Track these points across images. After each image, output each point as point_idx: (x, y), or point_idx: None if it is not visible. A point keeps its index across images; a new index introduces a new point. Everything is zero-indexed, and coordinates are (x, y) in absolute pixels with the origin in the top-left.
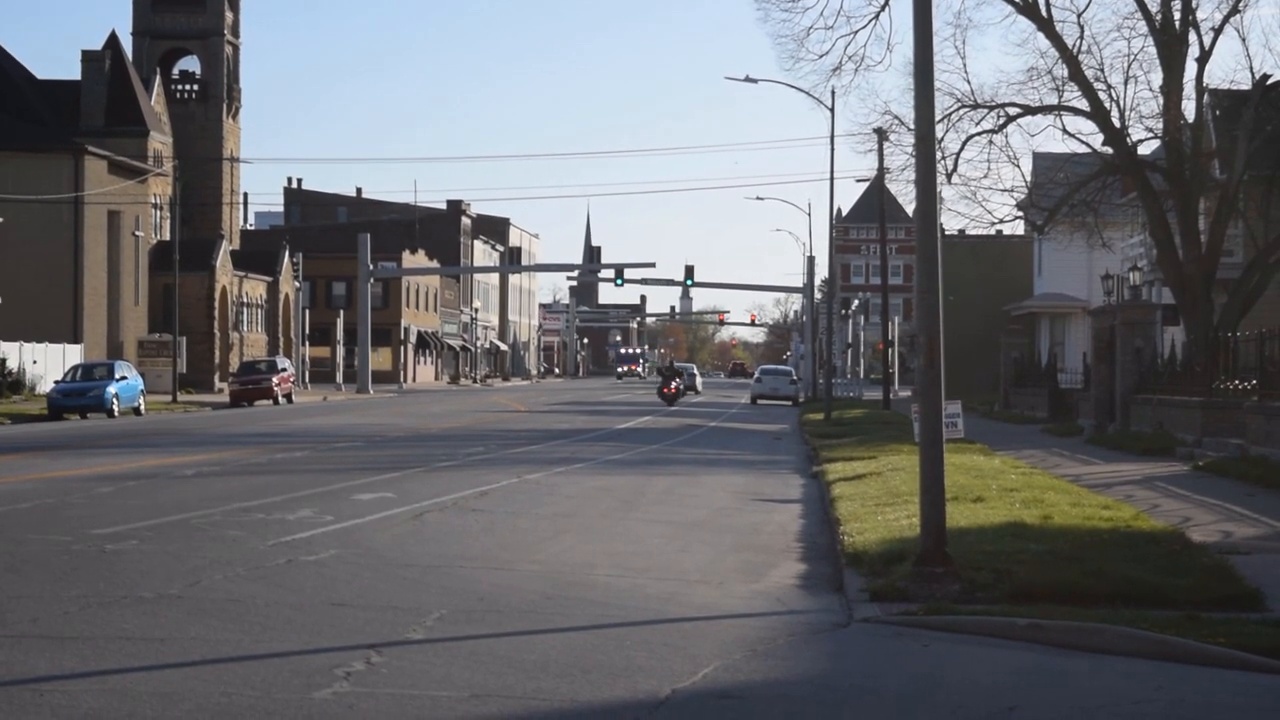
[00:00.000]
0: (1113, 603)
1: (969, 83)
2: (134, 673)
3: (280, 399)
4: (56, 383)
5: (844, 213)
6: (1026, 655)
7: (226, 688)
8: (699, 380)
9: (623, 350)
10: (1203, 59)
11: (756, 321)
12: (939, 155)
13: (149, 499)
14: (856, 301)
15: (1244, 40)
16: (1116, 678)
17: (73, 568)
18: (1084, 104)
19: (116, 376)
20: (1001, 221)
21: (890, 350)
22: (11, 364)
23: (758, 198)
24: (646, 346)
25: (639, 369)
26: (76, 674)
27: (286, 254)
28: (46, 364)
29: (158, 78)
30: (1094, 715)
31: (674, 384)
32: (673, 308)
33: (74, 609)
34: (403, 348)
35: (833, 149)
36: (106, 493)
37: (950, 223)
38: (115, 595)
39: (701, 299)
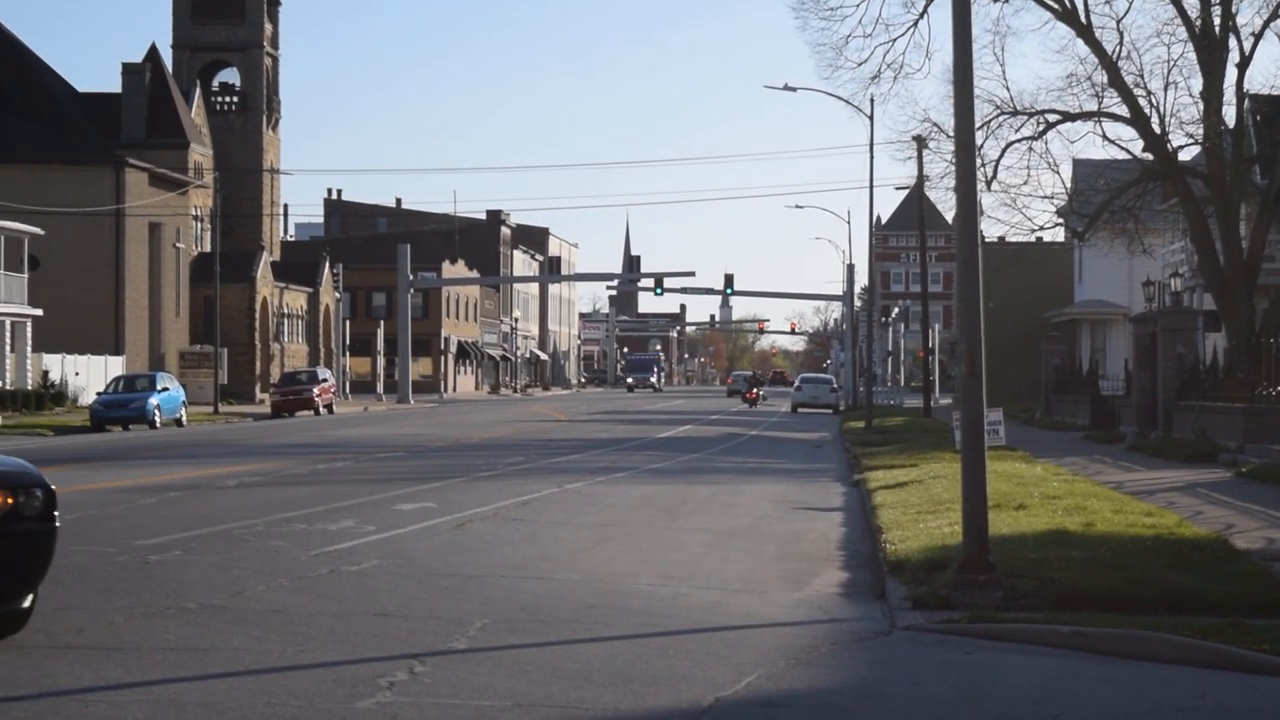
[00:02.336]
0: (1156, 610)
1: (1008, 89)
2: (178, 683)
3: (321, 409)
4: (98, 394)
5: (883, 220)
6: (1070, 662)
7: (270, 698)
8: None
9: (631, 357)
10: (1243, 64)
11: (796, 330)
12: (979, 162)
13: (191, 510)
14: (896, 309)
15: None
16: (1160, 685)
17: (117, 579)
18: (1124, 110)
19: (158, 388)
20: (1042, 228)
21: (930, 358)
22: (54, 376)
23: (797, 206)
24: (660, 352)
25: (653, 379)
26: (122, 684)
27: (327, 265)
28: (88, 376)
29: (198, 90)
30: None
31: (755, 390)
32: (712, 316)
33: (118, 620)
34: (443, 358)
35: (872, 157)
36: (149, 504)
37: (990, 230)
38: (159, 606)
39: (741, 307)
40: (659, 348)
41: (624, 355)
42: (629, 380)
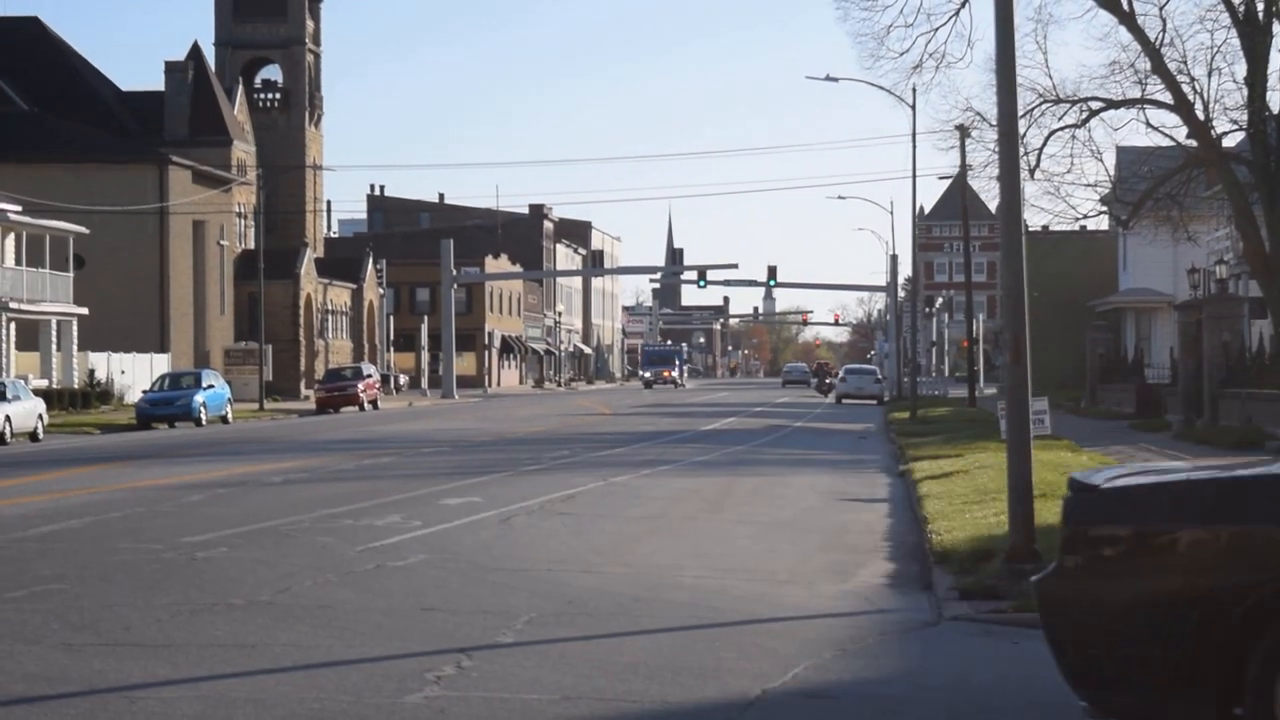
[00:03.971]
0: None
1: (1050, 78)
2: (227, 679)
3: (366, 405)
4: (144, 392)
5: (926, 210)
6: None
7: (319, 693)
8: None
9: (649, 348)
10: None
11: (840, 321)
12: (1022, 151)
13: (238, 506)
14: (940, 299)
15: None
16: None
17: (164, 575)
18: (1167, 97)
19: (204, 385)
20: (1085, 217)
21: (975, 348)
22: (100, 374)
23: (840, 197)
24: (684, 345)
25: (675, 374)
26: (170, 681)
27: (370, 261)
28: (134, 374)
29: (240, 87)
30: None
31: (828, 380)
32: (756, 308)
33: (166, 616)
34: (487, 352)
35: (914, 147)
36: (196, 501)
37: (1033, 219)
38: (206, 602)
39: (784, 299)
40: (702, 339)
41: (641, 348)
42: (645, 375)
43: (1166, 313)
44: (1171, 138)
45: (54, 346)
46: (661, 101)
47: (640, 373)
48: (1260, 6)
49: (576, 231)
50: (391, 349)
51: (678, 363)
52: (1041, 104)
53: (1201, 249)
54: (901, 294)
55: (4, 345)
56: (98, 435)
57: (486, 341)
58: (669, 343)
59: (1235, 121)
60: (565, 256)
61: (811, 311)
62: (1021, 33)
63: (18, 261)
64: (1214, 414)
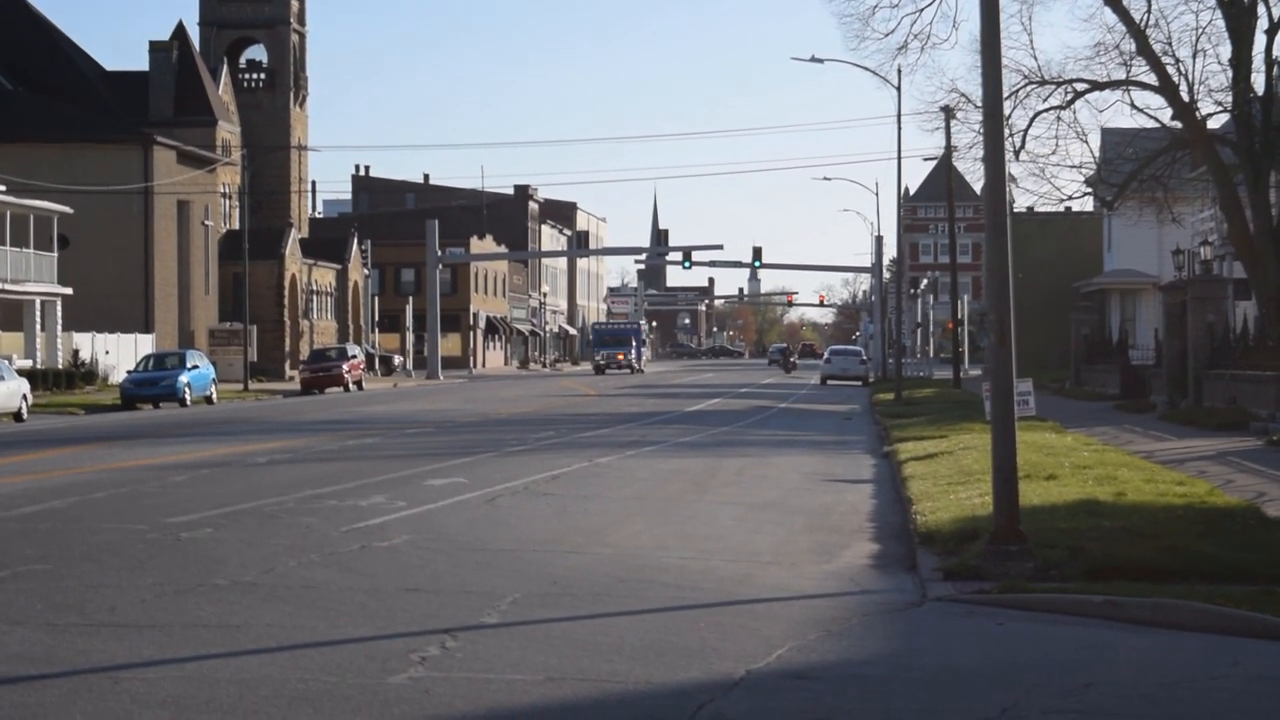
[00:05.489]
0: (1188, 579)
1: (1036, 59)
2: (211, 659)
3: (351, 386)
4: (129, 373)
5: (911, 192)
6: (1102, 632)
7: (303, 673)
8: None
9: (600, 326)
10: (1271, 31)
11: (825, 302)
12: (1007, 132)
13: (222, 487)
14: (925, 280)
15: None
16: (1193, 654)
17: (148, 556)
18: (1152, 78)
19: (188, 365)
20: (1070, 198)
21: (959, 329)
22: (84, 354)
23: (825, 178)
24: (644, 322)
25: (631, 356)
26: (154, 661)
27: (355, 241)
28: (119, 354)
29: (225, 67)
30: (1171, 691)
31: (791, 359)
32: (741, 290)
33: (150, 597)
34: (472, 333)
35: (899, 128)
36: (180, 481)
37: (1019, 200)
38: (191, 583)
39: (770, 280)
40: (688, 320)
41: (592, 326)
42: (597, 358)
43: (1151, 294)
44: (1156, 119)
45: (38, 327)
46: (647, 82)
47: (594, 355)
48: None
49: (561, 212)
50: (376, 330)
51: (634, 343)
52: (1027, 85)
53: (1186, 230)
54: (887, 275)
55: None
56: (82, 416)
57: (471, 322)
58: (626, 322)
59: (1220, 103)
60: (550, 237)
61: (797, 293)
62: (1007, 14)
63: (1, 241)
64: (1199, 395)
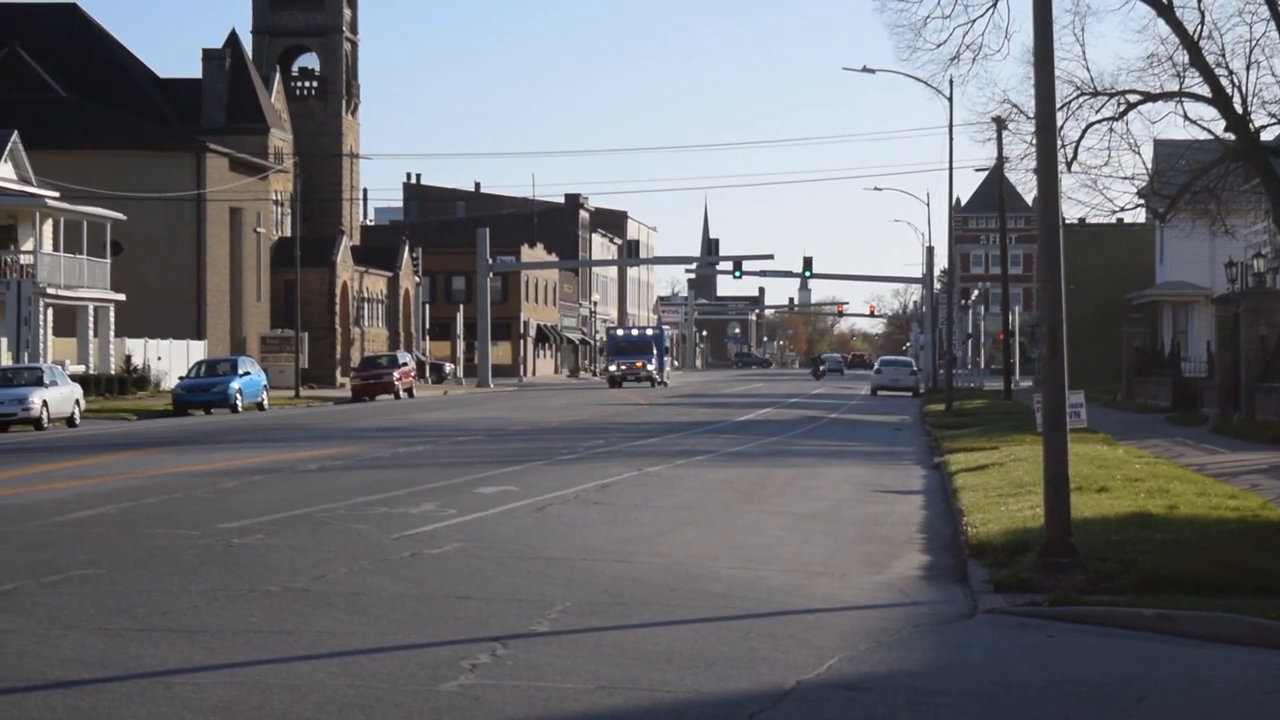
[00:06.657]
0: (1240, 592)
1: (1088, 70)
2: (262, 665)
3: (401, 393)
4: (181, 379)
5: (963, 202)
6: (1154, 646)
7: (354, 680)
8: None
9: (616, 332)
10: None
11: (875, 312)
12: (1059, 143)
13: (273, 493)
14: (976, 291)
15: None
16: (1245, 668)
17: (200, 561)
18: (1205, 90)
19: (240, 372)
20: (1123, 210)
21: (1011, 340)
22: (137, 360)
23: (876, 188)
24: (668, 328)
25: (651, 366)
26: (206, 666)
27: (406, 249)
28: (171, 360)
29: (277, 75)
30: (1224, 706)
31: (820, 368)
32: (791, 299)
33: (202, 602)
34: (522, 341)
35: (951, 138)
36: (232, 487)
37: (1070, 211)
38: (242, 589)
39: (820, 290)
40: (738, 330)
41: (607, 332)
42: (611, 369)
43: (1203, 306)
44: (1209, 131)
45: (91, 332)
46: (699, 92)
47: (607, 365)
48: None
49: (612, 221)
50: (427, 337)
51: (655, 351)
52: (1079, 96)
53: (1239, 242)
54: (937, 286)
55: (42, 331)
56: (134, 421)
57: (522, 330)
58: (646, 329)
59: (1274, 115)
60: (601, 246)
61: (847, 303)
62: (1059, 25)
63: (55, 247)
64: (1250, 408)
